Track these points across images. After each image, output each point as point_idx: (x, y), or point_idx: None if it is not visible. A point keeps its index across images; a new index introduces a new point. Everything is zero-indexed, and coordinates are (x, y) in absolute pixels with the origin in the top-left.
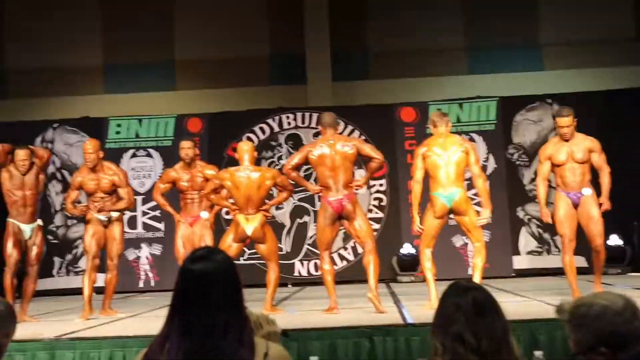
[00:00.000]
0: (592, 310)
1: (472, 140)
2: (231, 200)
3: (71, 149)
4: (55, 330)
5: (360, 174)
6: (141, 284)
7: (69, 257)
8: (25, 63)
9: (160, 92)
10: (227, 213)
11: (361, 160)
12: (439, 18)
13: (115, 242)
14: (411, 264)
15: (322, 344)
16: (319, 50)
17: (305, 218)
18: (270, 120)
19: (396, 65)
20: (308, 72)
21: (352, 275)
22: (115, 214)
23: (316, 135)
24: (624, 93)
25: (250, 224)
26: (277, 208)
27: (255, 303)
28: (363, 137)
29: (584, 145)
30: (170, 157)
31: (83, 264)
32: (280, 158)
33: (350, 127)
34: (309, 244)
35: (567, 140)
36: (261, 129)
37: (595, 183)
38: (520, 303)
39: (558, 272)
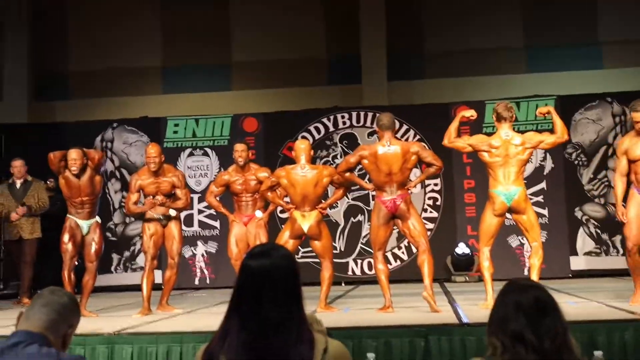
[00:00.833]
0: None
1: None
2: (286, 199)
3: (130, 148)
4: (114, 326)
5: (415, 174)
6: (197, 281)
7: (127, 254)
8: (86, 65)
9: (216, 92)
10: (282, 212)
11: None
12: (496, 16)
13: (175, 241)
14: (465, 263)
15: (377, 343)
16: (375, 50)
17: (360, 217)
18: (325, 120)
19: (452, 65)
20: (363, 71)
21: (406, 274)
22: (173, 213)
23: (371, 134)
24: None
25: (306, 221)
26: (332, 207)
27: (309, 301)
28: (418, 137)
29: None
30: (226, 156)
31: (140, 260)
32: (335, 157)
33: (405, 127)
34: (362, 243)
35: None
36: (316, 128)
37: None
38: (578, 304)
39: (616, 273)
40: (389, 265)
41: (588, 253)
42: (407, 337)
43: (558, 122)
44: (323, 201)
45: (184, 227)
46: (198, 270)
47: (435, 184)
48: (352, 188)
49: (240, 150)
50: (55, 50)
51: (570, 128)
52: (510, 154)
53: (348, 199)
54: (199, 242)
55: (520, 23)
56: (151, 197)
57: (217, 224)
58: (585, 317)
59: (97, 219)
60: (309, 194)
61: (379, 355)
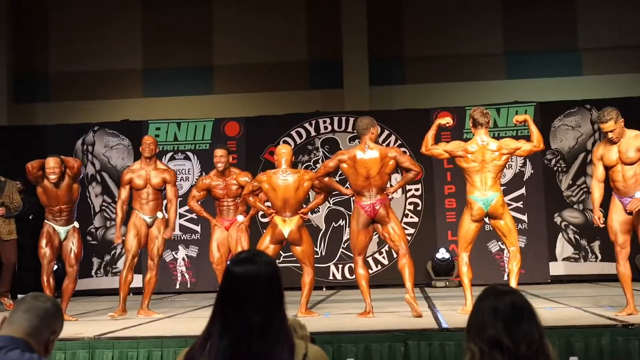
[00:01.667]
0: None
1: None
2: (268, 204)
3: (111, 151)
4: (95, 330)
5: (396, 178)
6: (177, 285)
7: (107, 257)
8: (67, 67)
9: (198, 95)
10: (264, 216)
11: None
12: (476, 23)
13: (157, 242)
14: (446, 268)
15: (356, 347)
16: (356, 55)
17: (341, 222)
18: (307, 124)
19: (433, 70)
20: (345, 76)
21: (386, 279)
22: (160, 215)
23: (352, 139)
24: None
25: (287, 226)
26: (313, 212)
27: (290, 306)
28: (399, 142)
29: (635, 144)
30: (207, 160)
31: (122, 264)
32: (316, 162)
33: (386, 132)
34: (343, 248)
35: (617, 142)
36: (298, 132)
37: None
38: (556, 309)
39: (594, 279)
40: (369, 270)
41: (567, 259)
42: (387, 341)
43: (535, 131)
44: (305, 206)
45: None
46: (179, 275)
47: (416, 189)
48: (334, 193)
49: (219, 155)
50: (36, 52)
51: (549, 134)
52: (487, 159)
53: (329, 203)
54: (180, 246)
55: (500, 29)
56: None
57: (198, 228)
58: (563, 322)
59: (75, 224)
60: (290, 198)
61: (359, 359)
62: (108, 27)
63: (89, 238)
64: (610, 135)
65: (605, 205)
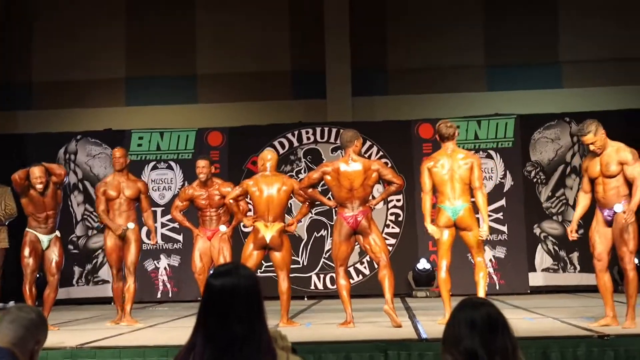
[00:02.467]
0: None
1: (489, 157)
2: (250, 213)
3: (93, 160)
4: (76, 339)
5: (378, 189)
6: (159, 295)
7: (89, 266)
8: (49, 75)
9: (182, 104)
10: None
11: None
12: (458, 35)
13: (130, 253)
14: (427, 279)
15: (337, 357)
16: (339, 66)
17: (323, 232)
18: (289, 135)
19: (415, 81)
20: (328, 87)
21: (367, 289)
22: (131, 226)
23: (335, 150)
24: None
25: (269, 231)
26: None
27: (273, 316)
28: (381, 153)
29: (616, 157)
30: (190, 170)
31: (103, 273)
32: (299, 172)
33: (368, 143)
34: (325, 258)
35: (600, 154)
36: (280, 143)
37: None
38: (534, 320)
39: (573, 289)
40: (351, 280)
41: (546, 269)
42: (367, 351)
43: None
44: (288, 217)
45: (147, 240)
46: (160, 284)
47: (398, 200)
48: (316, 203)
49: (202, 166)
50: (18, 60)
51: (529, 146)
52: (455, 169)
53: (311, 213)
54: (161, 256)
55: (482, 42)
56: None
57: (180, 237)
58: (540, 333)
59: (57, 233)
60: (273, 203)
61: None
62: (91, 35)
63: (70, 247)
64: (591, 147)
65: (590, 216)
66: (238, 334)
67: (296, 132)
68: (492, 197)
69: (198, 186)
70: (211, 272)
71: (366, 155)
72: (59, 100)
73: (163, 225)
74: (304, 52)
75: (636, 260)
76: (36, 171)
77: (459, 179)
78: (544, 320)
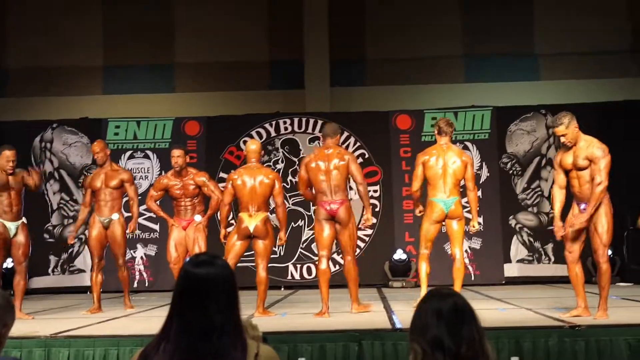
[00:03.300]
0: None
1: (466, 148)
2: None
3: (69, 149)
4: (51, 328)
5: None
6: (135, 284)
7: (64, 256)
8: (25, 62)
9: (159, 94)
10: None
11: None
12: (436, 26)
13: (118, 243)
14: (403, 269)
15: (311, 347)
16: (318, 56)
17: (300, 222)
18: (267, 125)
19: (393, 72)
20: (306, 77)
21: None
22: (116, 217)
23: (312, 140)
24: (619, 105)
25: (253, 221)
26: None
27: (249, 305)
28: (358, 144)
29: (586, 152)
30: (167, 159)
31: (79, 262)
32: (276, 162)
33: (346, 133)
34: (302, 248)
35: (571, 147)
36: (258, 133)
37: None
38: (507, 310)
39: (547, 280)
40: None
41: (521, 260)
42: (341, 341)
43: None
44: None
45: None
46: (137, 273)
47: (375, 191)
48: (292, 193)
49: (176, 155)
50: None
51: (505, 138)
52: (449, 164)
53: (288, 204)
54: (138, 245)
55: (459, 33)
56: None
57: (156, 227)
58: (513, 323)
59: (24, 219)
60: (256, 193)
61: (314, 359)
62: (68, 23)
63: (46, 236)
64: (562, 139)
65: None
66: (216, 324)
67: (274, 122)
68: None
69: (172, 176)
70: (187, 261)
71: (343, 146)
72: (35, 87)
73: (139, 214)
74: (283, 42)
75: (609, 252)
76: (9, 154)
77: (452, 174)
78: (517, 310)
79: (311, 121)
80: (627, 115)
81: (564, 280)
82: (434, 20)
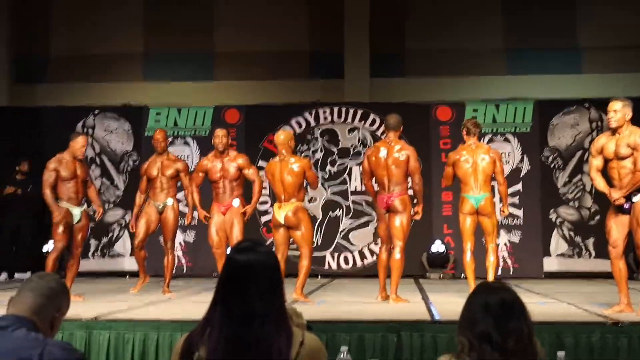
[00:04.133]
0: None
1: (507, 141)
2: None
3: (111, 135)
4: (92, 311)
5: None
6: (174, 270)
7: (104, 240)
8: (69, 49)
9: (199, 81)
10: (262, 203)
11: None
12: (478, 18)
13: (168, 228)
14: (441, 261)
15: (350, 337)
16: (358, 46)
17: (338, 212)
18: (306, 114)
19: (434, 64)
20: (346, 67)
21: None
22: (170, 202)
23: (351, 131)
24: None
25: (282, 211)
26: (310, 200)
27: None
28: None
29: (629, 139)
30: (207, 146)
31: (118, 247)
32: (314, 152)
33: None
34: (340, 238)
35: (614, 131)
36: (297, 122)
37: None
38: (548, 305)
39: (588, 275)
40: (365, 260)
41: (561, 255)
42: (380, 332)
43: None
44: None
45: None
46: (175, 259)
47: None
48: (332, 183)
49: (221, 135)
50: (37, 34)
51: (547, 132)
52: (479, 162)
53: (326, 193)
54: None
55: (501, 25)
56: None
57: (195, 213)
58: (554, 318)
59: (85, 206)
60: (286, 183)
61: (352, 348)
62: (110, 9)
63: None
64: (610, 116)
65: (607, 203)
66: (258, 311)
67: (313, 112)
68: (508, 182)
69: (213, 157)
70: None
71: (382, 137)
72: (77, 74)
73: (178, 201)
74: (323, 31)
75: None
76: (82, 139)
77: (482, 171)
78: (558, 304)
79: (351, 111)
80: None
81: (605, 276)
82: (475, 12)
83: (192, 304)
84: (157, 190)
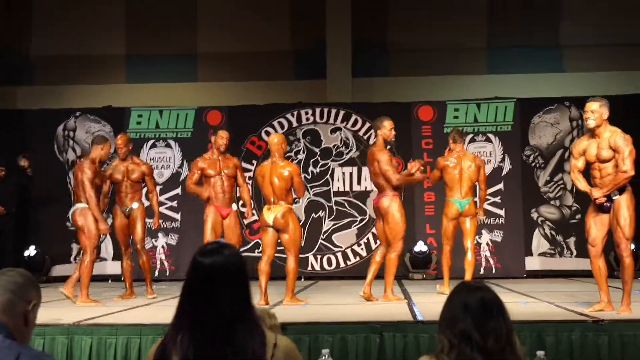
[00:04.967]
0: None
1: (488, 140)
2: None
3: (92, 137)
4: (74, 316)
5: None
6: (157, 273)
7: None
8: (50, 50)
9: (182, 82)
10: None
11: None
12: (460, 17)
13: (137, 231)
14: (423, 261)
15: (332, 338)
16: (340, 47)
17: (321, 213)
18: (289, 115)
19: (416, 63)
20: (328, 67)
21: (364, 271)
22: (135, 205)
23: (334, 131)
24: None
25: (271, 214)
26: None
27: (274, 295)
28: None
29: (610, 141)
30: (189, 148)
31: (101, 251)
32: (297, 153)
33: (368, 124)
34: (323, 239)
35: (593, 132)
36: (280, 123)
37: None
38: (529, 304)
39: (569, 274)
40: (347, 261)
41: (543, 254)
42: (363, 333)
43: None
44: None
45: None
46: (158, 262)
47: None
48: (314, 184)
49: (226, 137)
50: (18, 35)
51: (528, 130)
52: (465, 169)
53: (309, 194)
54: (159, 234)
55: (484, 24)
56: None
57: (178, 216)
58: (535, 316)
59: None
60: (275, 186)
61: (335, 350)
62: (92, 11)
63: (68, 224)
64: (588, 116)
65: (587, 201)
66: (226, 314)
67: (295, 113)
68: (490, 181)
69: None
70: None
71: (365, 137)
72: (59, 76)
73: (161, 203)
74: (305, 32)
75: (632, 246)
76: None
77: (468, 178)
78: (539, 304)
79: (333, 111)
80: None
81: (586, 274)
82: (457, 11)
83: (174, 308)
84: (123, 195)
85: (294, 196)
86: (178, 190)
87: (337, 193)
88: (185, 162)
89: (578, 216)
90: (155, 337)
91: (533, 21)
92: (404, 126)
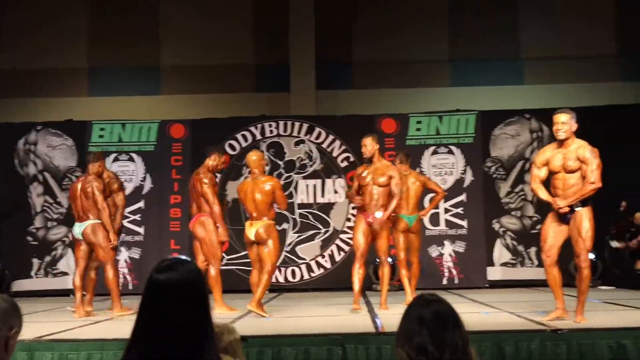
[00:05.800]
0: None
1: (450, 152)
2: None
3: (54, 151)
4: (34, 332)
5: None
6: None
7: (47, 258)
8: (10, 63)
9: (145, 96)
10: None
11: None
12: (422, 30)
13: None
14: None
15: (296, 351)
16: (303, 59)
17: (284, 225)
18: (252, 128)
19: (379, 76)
20: (292, 80)
21: (328, 282)
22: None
23: (297, 144)
24: (603, 109)
25: (252, 228)
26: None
27: (243, 302)
28: (344, 147)
29: (577, 153)
30: (152, 162)
31: (62, 265)
32: None
33: (331, 137)
34: (287, 251)
35: (560, 143)
36: (243, 136)
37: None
38: (490, 314)
39: (530, 284)
40: (312, 273)
41: (504, 264)
42: (325, 345)
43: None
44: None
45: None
46: (121, 276)
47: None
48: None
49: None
50: None
51: (489, 142)
52: (410, 186)
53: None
54: (122, 248)
55: (445, 37)
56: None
57: (141, 229)
58: (496, 326)
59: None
60: (256, 202)
61: None
62: (54, 24)
63: (29, 238)
64: (557, 127)
65: (547, 211)
66: (180, 332)
67: (259, 126)
68: (452, 192)
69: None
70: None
71: (328, 150)
72: (20, 89)
73: (124, 217)
74: (269, 45)
75: (591, 256)
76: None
77: (413, 195)
78: (500, 314)
79: (296, 124)
80: (610, 120)
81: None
82: (420, 24)
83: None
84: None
85: (276, 210)
86: (141, 204)
87: (301, 205)
88: (148, 175)
89: (539, 226)
90: (117, 352)
91: (494, 34)
92: None
